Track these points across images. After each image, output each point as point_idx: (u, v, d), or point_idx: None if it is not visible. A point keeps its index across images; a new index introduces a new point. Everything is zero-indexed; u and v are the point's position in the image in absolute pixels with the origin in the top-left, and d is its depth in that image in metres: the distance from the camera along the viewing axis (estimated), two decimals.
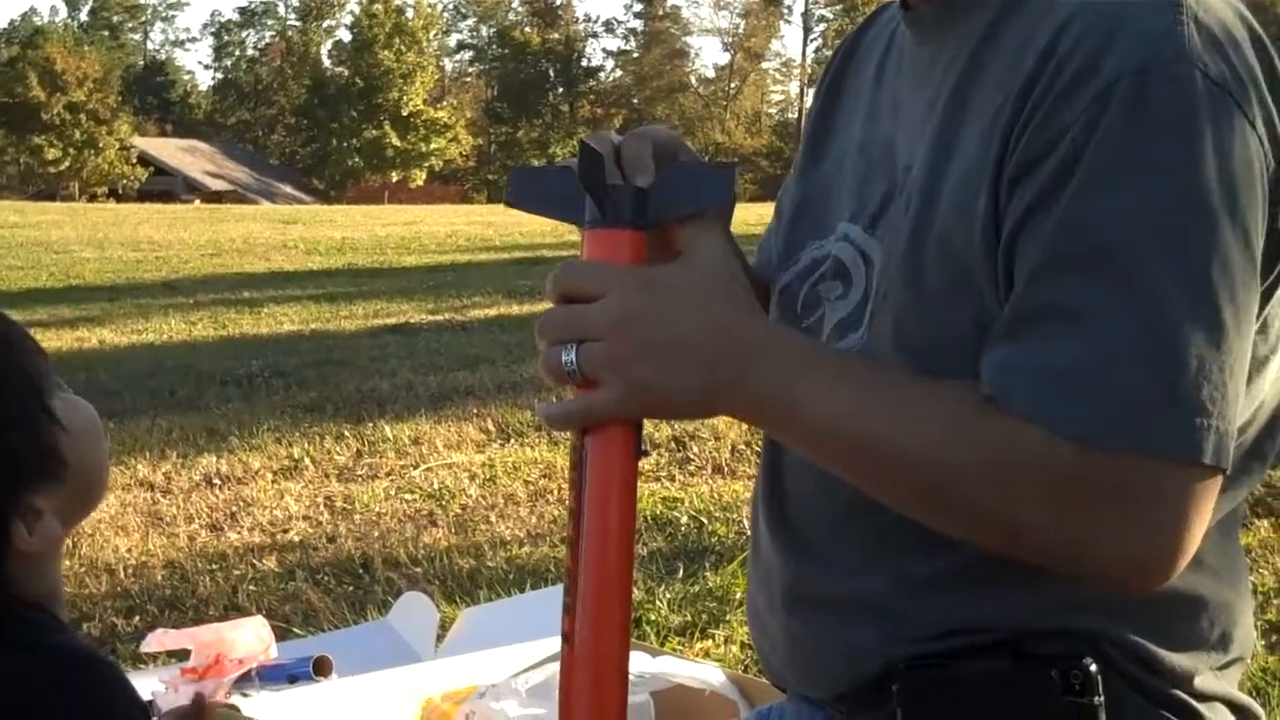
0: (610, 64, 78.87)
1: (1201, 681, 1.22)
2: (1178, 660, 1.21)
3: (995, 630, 1.20)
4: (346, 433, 5.91)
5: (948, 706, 1.22)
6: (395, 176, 61.33)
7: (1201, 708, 1.22)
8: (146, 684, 2.98)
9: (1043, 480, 1.05)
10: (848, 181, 1.33)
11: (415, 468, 5.31)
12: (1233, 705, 1.26)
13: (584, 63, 75.57)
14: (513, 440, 5.72)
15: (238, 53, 79.89)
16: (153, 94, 77.16)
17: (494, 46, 76.12)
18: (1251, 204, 1.06)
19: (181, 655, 3.05)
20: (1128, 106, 1.05)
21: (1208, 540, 1.20)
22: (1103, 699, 1.17)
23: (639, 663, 2.56)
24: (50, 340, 9.63)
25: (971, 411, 1.08)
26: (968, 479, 1.07)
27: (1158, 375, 1.03)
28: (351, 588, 3.93)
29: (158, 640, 3.03)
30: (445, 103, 68.79)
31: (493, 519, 4.58)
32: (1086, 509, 1.05)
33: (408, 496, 4.90)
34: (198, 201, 44.45)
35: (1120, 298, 1.03)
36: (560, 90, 73.84)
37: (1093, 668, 1.17)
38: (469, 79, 79.96)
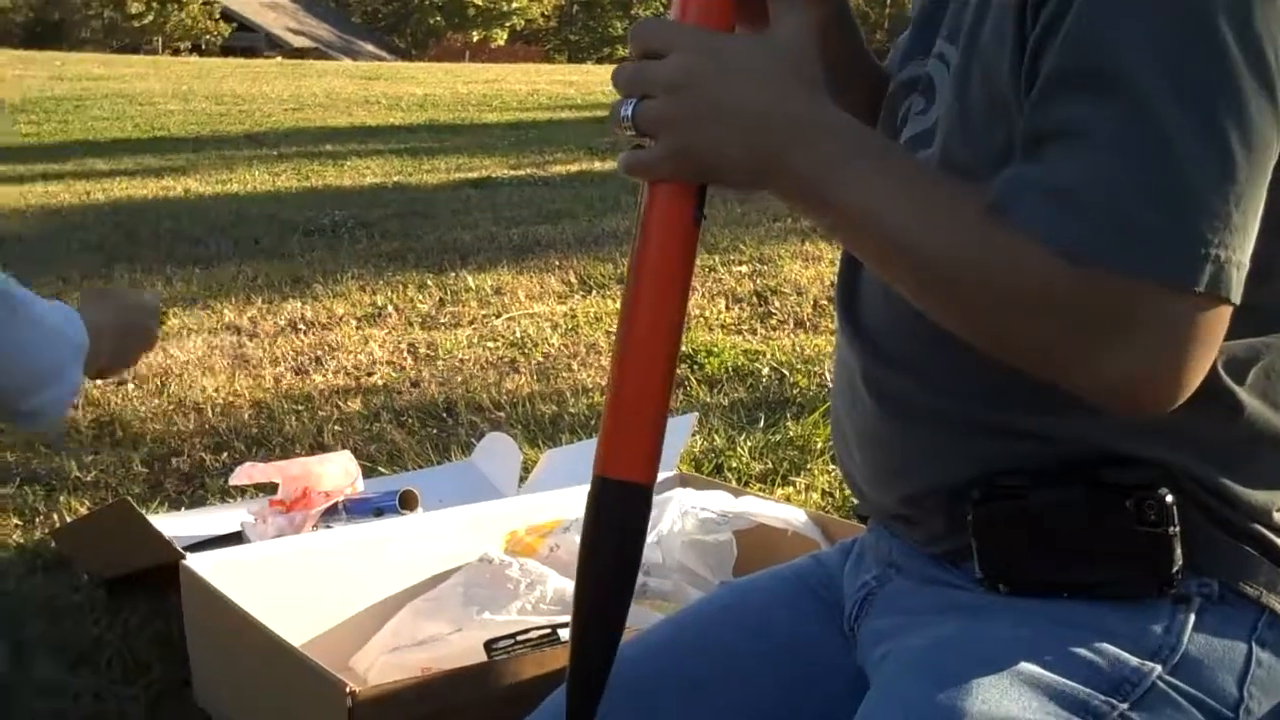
0: None
1: None
2: (1254, 494, 1.20)
3: (1069, 457, 1.20)
4: (429, 282, 5.93)
5: (1022, 535, 1.23)
6: (476, 35, 60.88)
7: None
8: (235, 516, 3.04)
9: (1035, 293, 1.05)
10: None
11: (497, 316, 5.32)
12: None
13: None
14: (594, 292, 5.72)
15: None
16: None
17: None
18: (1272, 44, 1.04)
19: (270, 488, 3.10)
20: None
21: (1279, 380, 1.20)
22: (1178, 529, 1.17)
23: (721, 502, 2.58)
24: (136, 189, 9.72)
25: (979, 218, 1.08)
26: (971, 283, 1.08)
27: (1156, 200, 1.02)
28: (435, 430, 3.96)
29: (246, 474, 3.09)
30: None
31: (575, 367, 4.59)
32: (1078, 326, 1.05)
33: (490, 344, 4.92)
34: (280, 58, 44.38)
35: (1126, 121, 1.03)
36: None
37: (1169, 498, 1.17)
38: None
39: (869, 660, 1.33)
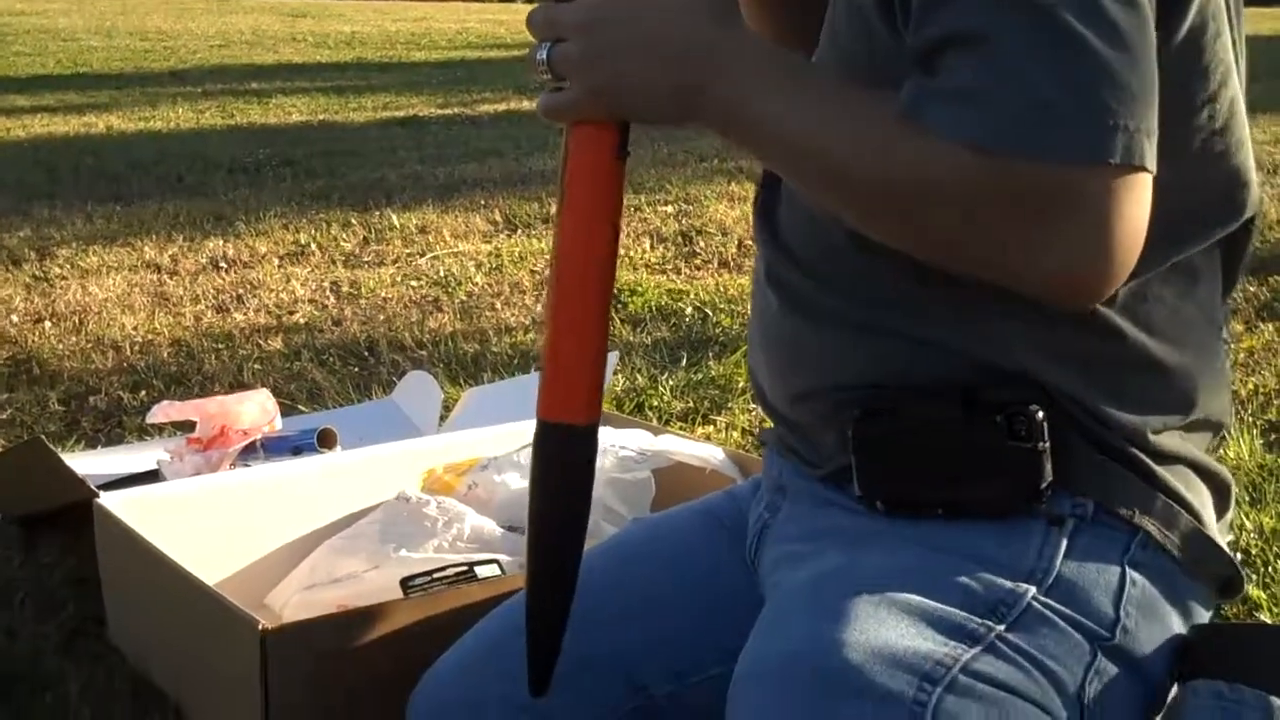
0: None
1: (1160, 440, 1.23)
2: (1130, 417, 1.22)
3: (949, 372, 1.22)
4: (353, 220, 5.89)
5: (898, 452, 1.25)
6: None
7: (1158, 467, 1.23)
8: (152, 454, 3.01)
9: (957, 192, 1.05)
10: None
11: (422, 255, 5.30)
12: (1197, 467, 1.27)
13: None
14: (520, 231, 5.71)
15: None
16: None
17: None
18: None
19: (187, 427, 3.07)
20: None
21: (1158, 305, 1.22)
22: (1047, 445, 1.19)
23: (640, 440, 2.58)
24: (58, 125, 9.58)
25: (891, 122, 1.08)
26: (896, 192, 1.08)
27: (1059, 84, 1.02)
28: (356, 369, 3.94)
29: (163, 411, 3.06)
30: None
31: (498, 306, 4.58)
32: (1006, 219, 1.05)
33: (414, 283, 4.89)
34: None
35: (1012, 14, 1.03)
36: None
37: (1039, 414, 1.18)
38: None
39: (767, 590, 1.34)
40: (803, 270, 1.31)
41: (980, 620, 1.16)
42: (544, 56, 1.14)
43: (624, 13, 1.13)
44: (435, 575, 2.13)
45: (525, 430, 2.63)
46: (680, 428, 3.24)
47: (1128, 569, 1.21)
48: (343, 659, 1.93)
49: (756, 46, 1.15)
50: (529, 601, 1.31)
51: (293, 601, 2.26)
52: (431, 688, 1.46)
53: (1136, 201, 1.04)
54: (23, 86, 12.12)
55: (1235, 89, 1.23)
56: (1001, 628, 1.17)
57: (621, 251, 5.07)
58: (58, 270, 5.09)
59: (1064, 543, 1.20)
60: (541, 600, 1.30)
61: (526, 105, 10.54)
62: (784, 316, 1.34)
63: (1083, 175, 1.02)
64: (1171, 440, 1.25)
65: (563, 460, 1.25)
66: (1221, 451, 3.01)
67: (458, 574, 2.13)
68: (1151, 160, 1.03)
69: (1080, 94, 1.02)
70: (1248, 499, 2.84)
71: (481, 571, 2.12)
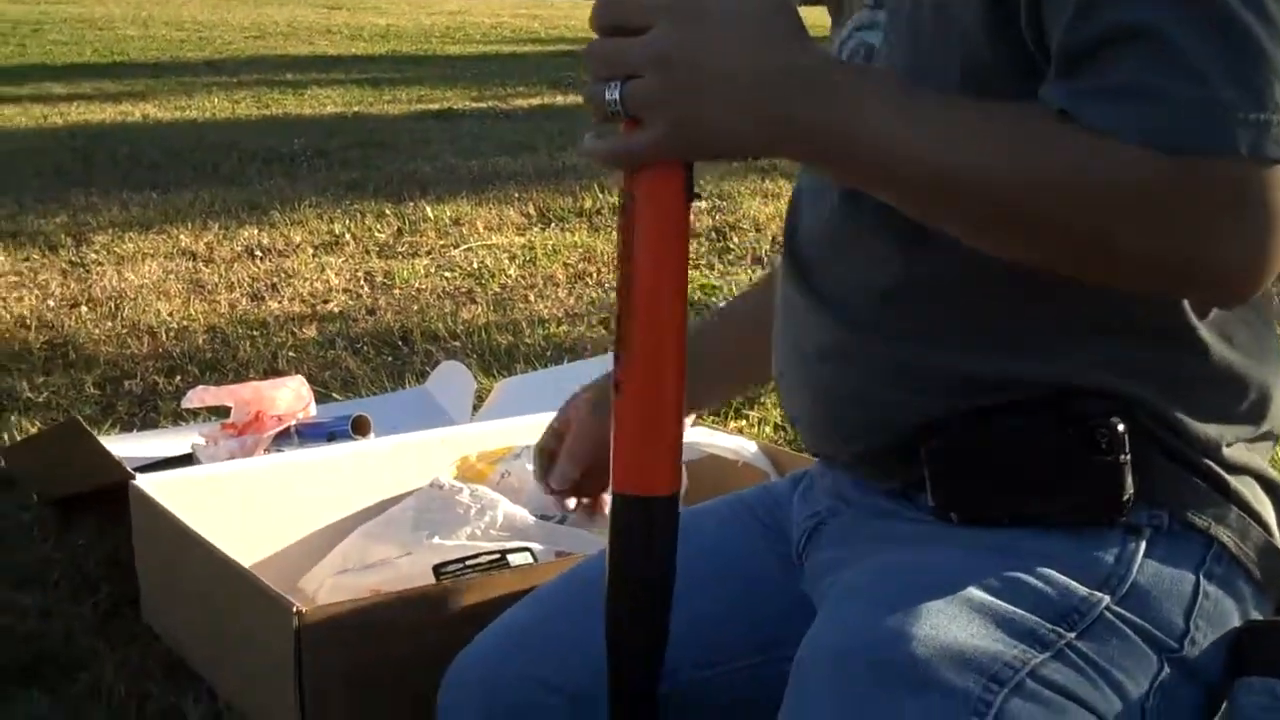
0: None
1: (1231, 452, 1.22)
2: (1206, 429, 1.21)
3: (1020, 390, 1.20)
4: (388, 211, 5.91)
5: (976, 463, 1.22)
6: None
7: (1230, 478, 1.22)
8: (187, 438, 3.03)
9: (1127, 189, 1.01)
10: None
11: (455, 247, 5.31)
12: (1263, 480, 1.26)
13: None
14: (553, 224, 5.72)
15: None
16: None
17: None
18: None
19: (222, 412, 3.09)
20: None
21: (1237, 318, 1.21)
22: (1129, 458, 1.17)
23: None
24: (95, 114, 9.62)
25: (1047, 126, 1.03)
26: (1049, 193, 1.03)
27: (1232, 78, 0.99)
28: (390, 358, 3.95)
29: (199, 396, 3.08)
30: None
31: (531, 298, 4.59)
32: (1181, 221, 1.01)
33: (447, 274, 4.91)
34: None
35: (1175, 7, 1.00)
36: None
37: (1120, 427, 1.17)
38: None
39: (816, 590, 1.33)
40: (839, 317, 1.28)
41: (1051, 626, 1.15)
42: (617, 95, 1.06)
43: (703, 43, 1.04)
44: (468, 562, 2.14)
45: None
46: (714, 422, 3.25)
47: (1202, 580, 1.20)
48: (376, 644, 1.95)
49: (845, 65, 1.13)
50: (614, 674, 1.25)
51: (327, 585, 2.27)
52: (461, 669, 1.46)
53: None
54: (60, 75, 12.18)
55: None
56: (1072, 635, 1.15)
57: None
58: (94, 256, 5.12)
59: (1141, 551, 1.19)
60: (631, 670, 1.25)
61: (560, 100, 10.56)
62: (821, 364, 1.31)
63: (1258, 171, 1.00)
64: (1241, 452, 1.24)
65: (648, 536, 1.17)
66: None
67: (490, 561, 2.13)
68: None
69: (1258, 92, 0.99)
70: None
71: (514, 559, 2.13)
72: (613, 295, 4.60)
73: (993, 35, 1.11)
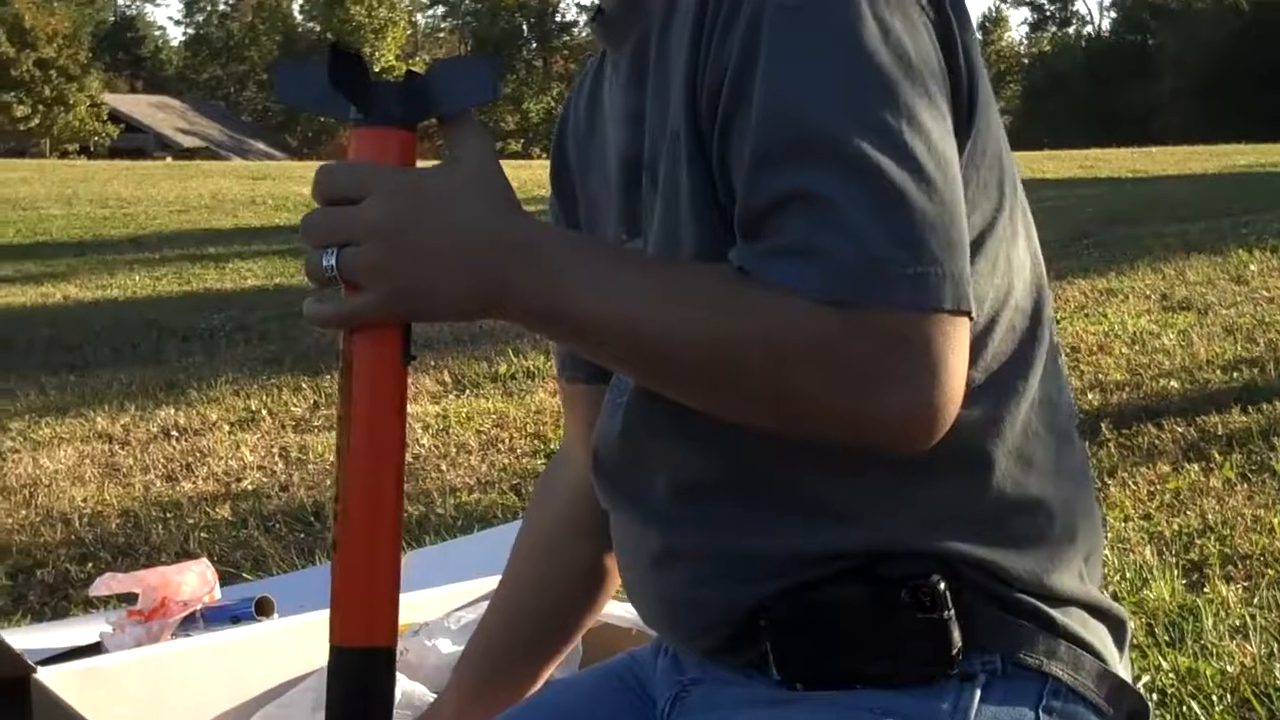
0: (584, 18, 78.39)
1: (1055, 580, 1.27)
2: (1024, 563, 1.25)
3: (840, 560, 1.24)
4: (304, 385, 5.97)
5: (811, 637, 1.27)
6: None
7: (1054, 612, 1.26)
8: (94, 627, 3.04)
9: (803, 342, 1.07)
10: (613, 202, 1.37)
11: None
12: (1090, 607, 1.30)
13: (558, 18, 75.17)
14: (468, 391, 5.79)
15: (209, 8, 79.16)
16: (123, 50, 76.44)
17: (467, 1, 75.72)
18: (925, 63, 1.12)
19: (129, 598, 3.11)
20: (783, 12, 1.11)
21: (1035, 440, 1.27)
22: (953, 612, 1.22)
23: None
24: (15, 296, 9.66)
25: (736, 285, 1.10)
26: (739, 347, 1.09)
27: (889, 235, 1.06)
28: (302, 534, 4.00)
29: (105, 584, 3.09)
30: (418, 58, 68.22)
31: (444, 467, 4.65)
32: (857, 368, 1.07)
33: None
34: (169, 159, 44.15)
35: (833, 172, 1.07)
36: (534, 45, 73.38)
37: (941, 585, 1.22)
38: (442, 34, 79.35)
39: None
40: (653, 521, 1.33)
41: None
42: (333, 263, 1.09)
43: (418, 212, 1.09)
44: None
45: (459, 592, 2.70)
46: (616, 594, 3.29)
47: (1042, 716, 1.25)
48: None
49: (554, 232, 1.18)
50: None
51: None
52: None
53: (962, 344, 1.09)
54: None
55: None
56: None
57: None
58: (10, 444, 5.15)
59: (977, 696, 1.23)
60: None
61: None
62: (653, 571, 1.36)
63: (920, 322, 1.06)
64: (1066, 580, 1.28)
65: (367, 688, 1.17)
66: (1144, 592, 3.10)
67: None
68: (970, 304, 1.09)
69: (912, 246, 1.06)
70: (1166, 639, 2.90)
71: None
72: (524, 461, 4.70)
73: (707, 205, 1.19)
